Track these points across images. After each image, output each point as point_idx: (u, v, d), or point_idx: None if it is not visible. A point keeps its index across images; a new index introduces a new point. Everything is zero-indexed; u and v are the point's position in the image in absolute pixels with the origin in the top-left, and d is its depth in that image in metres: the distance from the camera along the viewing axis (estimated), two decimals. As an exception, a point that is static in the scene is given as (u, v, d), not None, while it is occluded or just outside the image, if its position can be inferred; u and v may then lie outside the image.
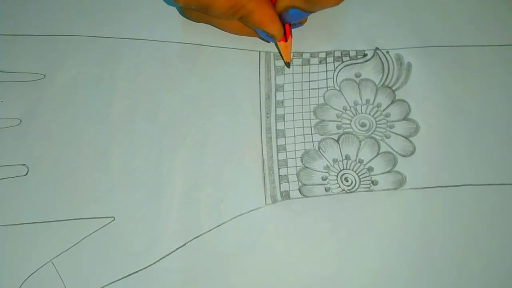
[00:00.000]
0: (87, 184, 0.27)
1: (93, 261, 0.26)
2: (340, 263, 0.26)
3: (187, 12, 0.29)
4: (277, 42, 0.28)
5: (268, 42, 0.29)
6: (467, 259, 0.26)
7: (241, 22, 0.27)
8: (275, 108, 0.29)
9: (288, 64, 0.29)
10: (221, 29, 0.29)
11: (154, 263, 0.26)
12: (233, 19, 0.27)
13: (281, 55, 0.29)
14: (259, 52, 0.30)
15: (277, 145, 0.28)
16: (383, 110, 0.29)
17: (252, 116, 0.29)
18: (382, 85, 0.29)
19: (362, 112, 0.29)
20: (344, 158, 0.28)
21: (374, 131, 0.28)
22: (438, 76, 0.29)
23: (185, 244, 0.26)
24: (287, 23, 0.27)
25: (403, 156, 0.27)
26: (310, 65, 0.29)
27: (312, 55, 0.30)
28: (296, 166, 0.27)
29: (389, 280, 0.25)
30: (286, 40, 0.28)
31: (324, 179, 0.27)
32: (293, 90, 0.29)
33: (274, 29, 0.26)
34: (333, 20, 0.31)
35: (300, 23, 0.29)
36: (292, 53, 0.29)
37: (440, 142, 0.28)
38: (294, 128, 0.28)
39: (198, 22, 0.29)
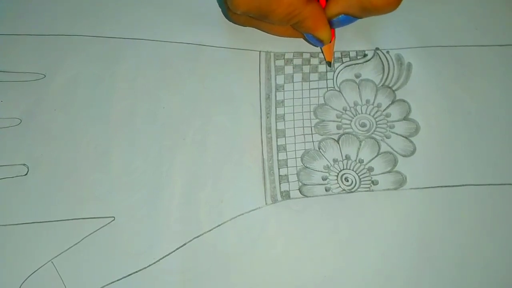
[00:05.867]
0: (87, 184, 0.27)
1: (93, 261, 0.26)
2: (340, 263, 0.26)
3: (234, 17, 0.28)
4: None
5: (316, 46, 0.29)
6: (467, 259, 0.26)
7: (292, 27, 0.27)
8: (275, 108, 0.29)
9: (329, 64, 0.29)
10: (266, 32, 0.29)
11: (154, 263, 0.26)
12: (287, 25, 0.27)
13: (323, 54, 0.29)
14: (259, 52, 0.30)
15: (277, 145, 0.28)
16: (383, 110, 0.29)
17: (252, 116, 0.29)
18: (382, 85, 0.29)
19: (362, 112, 0.29)
20: (344, 158, 0.28)
21: (374, 131, 0.28)
22: (438, 76, 0.29)
23: (185, 244, 0.26)
24: (334, 28, 0.28)
25: (404, 156, 0.27)
26: (310, 65, 0.29)
27: (312, 55, 0.30)
28: (296, 166, 0.27)
29: (389, 280, 0.25)
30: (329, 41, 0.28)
31: (324, 179, 0.27)
32: (293, 90, 0.29)
33: (324, 34, 0.27)
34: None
35: None
36: (333, 53, 0.30)
37: (440, 142, 0.28)
38: (294, 128, 0.28)
39: (244, 26, 0.29)
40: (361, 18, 0.27)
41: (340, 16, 0.26)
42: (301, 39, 0.29)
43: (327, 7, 0.26)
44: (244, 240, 0.26)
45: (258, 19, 0.27)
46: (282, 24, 0.27)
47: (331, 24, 0.27)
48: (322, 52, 0.29)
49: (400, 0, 0.25)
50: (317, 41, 0.27)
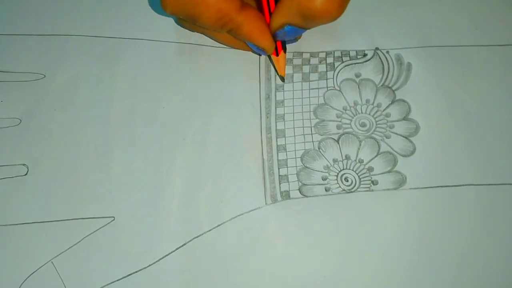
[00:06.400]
0: (87, 184, 0.27)
1: (93, 261, 0.26)
2: (340, 263, 0.26)
3: (180, 21, 0.29)
4: (271, 56, 0.28)
5: (260, 55, 0.29)
6: (467, 259, 0.26)
7: (230, 35, 0.27)
8: (275, 108, 0.29)
9: (282, 79, 0.29)
10: (215, 40, 0.29)
11: (154, 263, 0.26)
12: (222, 32, 0.26)
13: (275, 68, 0.29)
14: (259, 52, 0.30)
15: (277, 145, 0.28)
16: (383, 110, 0.29)
17: (252, 116, 0.29)
18: (382, 85, 0.29)
19: (362, 112, 0.29)
20: (344, 158, 0.28)
21: (374, 131, 0.28)
22: (438, 76, 0.29)
23: (185, 244, 0.26)
24: (282, 40, 0.27)
25: (403, 156, 0.27)
26: (310, 65, 0.29)
27: (312, 55, 0.30)
28: (296, 166, 0.27)
29: (389, 280, 0.25)
30: (277, 55, 0.27)
31: (324, 179, 0.27)
32: (293, 90, 0.29)
33: (264, 42, 0.26)
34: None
35: (295, 39, 0.29)
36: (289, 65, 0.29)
37: (440, 142, 0.28)
38: (294, 128, 0.28)
39: (192, 31, 0.29)
40: (307, 28, 0.26)
41: (285, 27, 0.25)
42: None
43: (272, 19, 0.25)
44: (244, 240, 0.26)
45: (192, 23, 0.26)
46: (217, 30, 0.26)
47: (278, 36, 0.26)
48: (274, 65, 0.29)
49: (342, 9, 0.24)
50: (260, 50, 0.27)
